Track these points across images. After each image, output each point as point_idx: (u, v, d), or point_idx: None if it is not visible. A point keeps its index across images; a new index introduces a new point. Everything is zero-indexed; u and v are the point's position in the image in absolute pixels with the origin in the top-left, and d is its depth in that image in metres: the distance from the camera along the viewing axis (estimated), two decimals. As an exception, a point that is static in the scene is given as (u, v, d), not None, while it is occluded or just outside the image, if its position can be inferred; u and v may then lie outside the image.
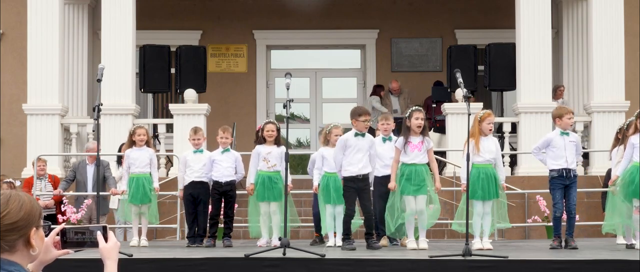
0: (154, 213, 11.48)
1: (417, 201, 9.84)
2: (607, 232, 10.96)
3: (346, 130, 11.02)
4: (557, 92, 16.79)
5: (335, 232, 10.83)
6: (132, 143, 11.42)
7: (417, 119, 9.92)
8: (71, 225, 3.67)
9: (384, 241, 10.93)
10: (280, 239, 10.03)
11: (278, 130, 11.30)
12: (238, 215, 13.15)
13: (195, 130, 11.62)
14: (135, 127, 11.57)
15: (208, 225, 11.47)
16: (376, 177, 10.67)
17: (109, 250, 3.07)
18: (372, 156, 10.28)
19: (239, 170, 11.45)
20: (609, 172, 13.65)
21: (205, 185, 11.42)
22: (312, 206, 12.08)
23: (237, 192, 11.98)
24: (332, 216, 10.77)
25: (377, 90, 18.31)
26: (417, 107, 10.28)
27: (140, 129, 11.41)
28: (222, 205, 11.45)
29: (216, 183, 11.28)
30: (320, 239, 11.61)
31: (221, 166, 11.26)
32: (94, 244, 3.10)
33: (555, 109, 11.10)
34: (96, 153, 13.61)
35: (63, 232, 3.10)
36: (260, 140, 11.30)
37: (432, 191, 10.04)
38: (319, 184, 11.05)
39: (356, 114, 10.26)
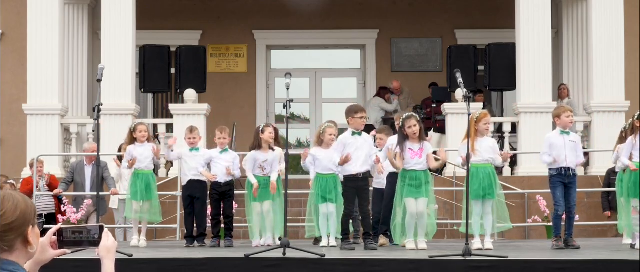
0: (155, 210, 11.40)
1: (418, 204, 9.82)
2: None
3: (341, 130, 10.92)
4: (560, 91, 16.77)
5: (328, 234, 10.76)
6: (132, 140, 11.38)
7: (410, 127, 9.85)
8: (70, 225, 3.67)
9: (382, 240, 10.89)
10: (280, 239, 10.01)
11: (276, 132, 11.29)
12: (238, 215, 13.15)
13: (191, 129, 11.61)
14: (136, 124, 11.54)
15: (210, 225, 11.48)
16: (389, 174, 10.61)
17: (106, 249, 3.07)
18: (369, 155, 10.28)
19: (235, 169, 11.41)
20: (609, 172, 13.67)
21: (202, 184, 11.42)
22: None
23: (237, 192, 11.97)
24: (325, 216, 10.68)
25: (382, 92, 18.30)
26: (410, 113, 10.21)
27: (141, 126, 11.39)
28: (222, 205, 11.46)
29: (215, 183, 11.27)
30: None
31: (220, 165, 11.25)
32: (91, 244, 3.09)
33: (555, 109, 11.10)
34: (94, 153, 13.68)
35: (60, 232, 3.10)
36: (256, 145, 11.18)
37: (431, 191, 10.05)
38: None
39: (352, 111, 10.22)
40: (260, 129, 11.29)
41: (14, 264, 2.81)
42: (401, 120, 9.99)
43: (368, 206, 10.34)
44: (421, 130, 9.96)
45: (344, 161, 10.01)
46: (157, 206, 11.43)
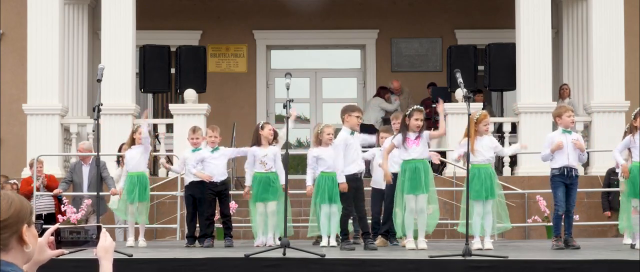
0: (142, 211, 11.30)
1: (418, 200, 9.82)
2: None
3: (337, 129, 10.90)
4: (561, 91, 16.76)
5: (329, 234, 10.74)
6: (132, 141, 11.37)
7: (417, 119, 9.89)
8: (69, 225, 3.68)
9: (379, 241, 10.86)
10: (280, 239, 10.01)
11: (276, 134, 11.30)
12: (238, 215, 13.14)
13: (194, 129, 11.61)
14: (137, 125, 11.52)
15: (204, 225, 11.47)
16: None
17: (103, 250, 3.07)
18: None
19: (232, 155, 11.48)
20: (609, 172, 13.68)
21: (204, 185, 11.40)
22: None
23: (235, 192, 11.95)
24: (327, 216, 10.67)
25: (382, 92, 18.28)
26: (418, 106, 10.24)
27: (142, 128, 11.37)
28: (219, 205, 11.44)
29: (211, 183, 11.25)
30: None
31: (213, 164, 11.23)
32: (89, 244, 3.09)
33: (555, 109, 11.10)
34: (89, 153, 13.69)
35: (57, 232, 3.09)
36: (256, 142, 11.19)
37: (433, 191, 10.04)
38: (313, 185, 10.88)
39: (348, 110, 10.22)
40: (260, 126, 11.32)
41: (11, 265, 2.81)
42: (409, 110, 9.99)
43: (364, 205, 10.34)
44: (423, 126, 9.97)
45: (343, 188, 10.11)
46: (143, 208, 11.31)
